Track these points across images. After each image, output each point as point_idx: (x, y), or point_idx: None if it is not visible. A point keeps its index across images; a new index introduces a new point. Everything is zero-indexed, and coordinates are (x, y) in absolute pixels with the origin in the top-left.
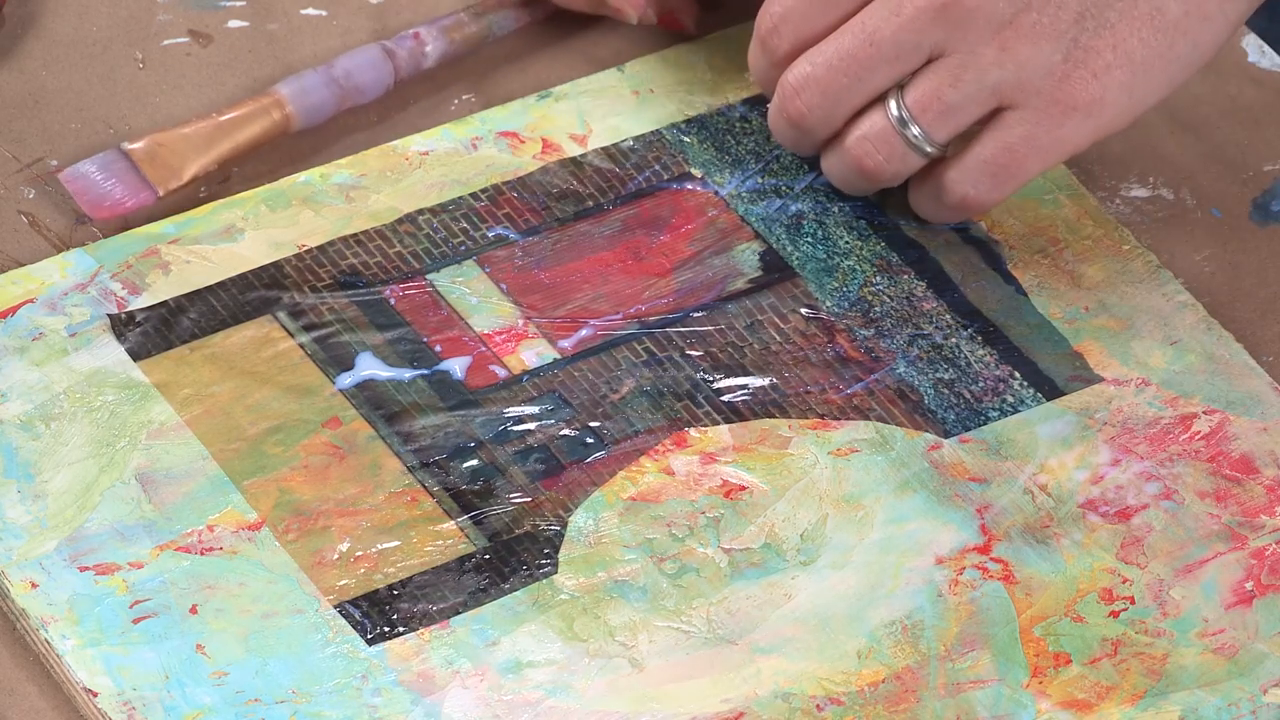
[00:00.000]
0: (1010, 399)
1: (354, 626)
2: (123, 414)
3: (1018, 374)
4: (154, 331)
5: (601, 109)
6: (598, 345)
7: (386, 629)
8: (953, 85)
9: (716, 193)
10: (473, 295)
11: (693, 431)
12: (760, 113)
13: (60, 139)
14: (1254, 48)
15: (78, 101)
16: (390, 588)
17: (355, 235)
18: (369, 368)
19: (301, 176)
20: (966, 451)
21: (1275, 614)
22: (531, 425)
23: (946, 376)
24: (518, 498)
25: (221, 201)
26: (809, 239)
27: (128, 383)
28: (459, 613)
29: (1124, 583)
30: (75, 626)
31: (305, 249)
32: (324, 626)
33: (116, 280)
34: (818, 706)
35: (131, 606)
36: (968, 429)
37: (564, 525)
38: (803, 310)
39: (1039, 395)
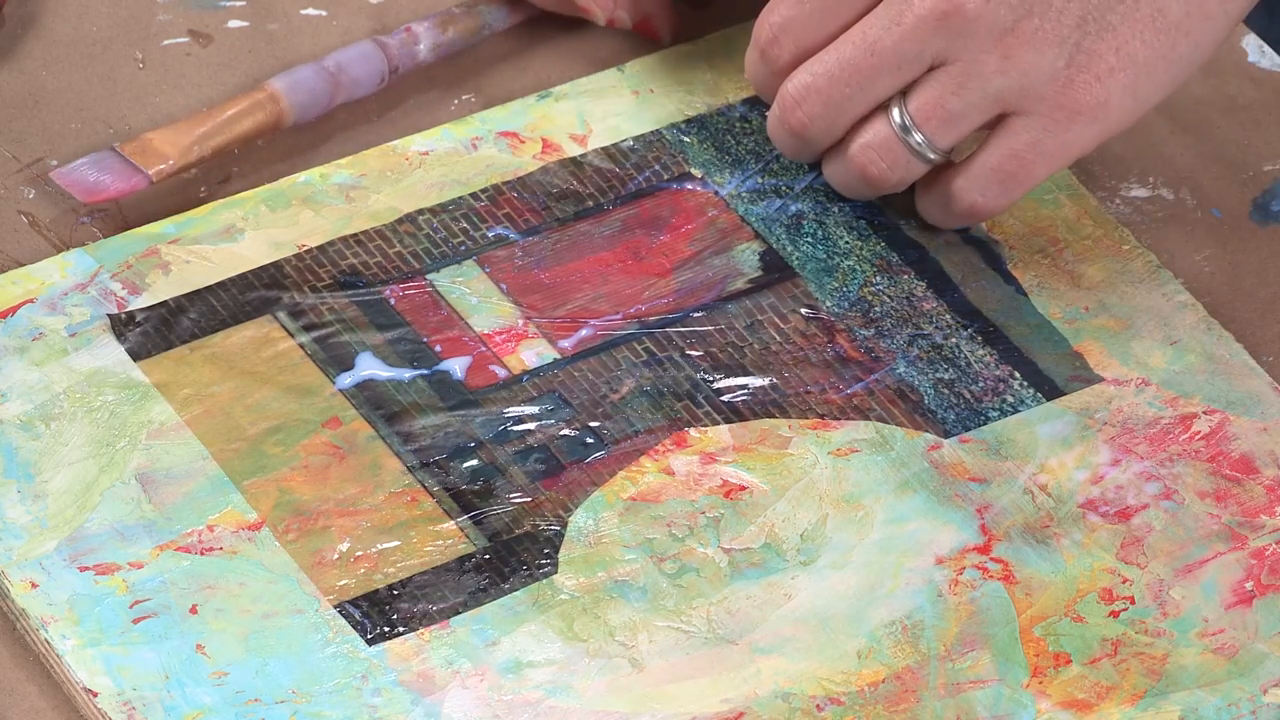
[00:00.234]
0: (1010, 399)
1: (354, 626)
2: (123, 414)
3: (1018, 374)
4: (154, 331)
5: (601, 109)
6: (598, 345)
7: (386, 629)
8: (956, 93)
9: (716, 193)
10: (473, 295)
11: (693, 431)
12: (760, 113)
13: (60, 139)
14: (1254, 48)
15: (78, 101)
16: (390, 588)
17: (355, 235)
18: (369, 368)
19: (301, 176)
20: (966, 451)
21: (1275, 614)
22: (531, 425)
23: (946, 376)
24: (518, 498)
25: (221, 201)
26: (809, 239)
27: (128, 383)
28: (459, 613)
29: (1124, 583)
30: (75, 626)
31: (305, 249)
32: (324, 626)
33: (116, 280)
34: (818, 706)
35: (131, 606)
36: (968, 429)
37: (564, 525)
38: (803, 310)
39: (1039, 395)
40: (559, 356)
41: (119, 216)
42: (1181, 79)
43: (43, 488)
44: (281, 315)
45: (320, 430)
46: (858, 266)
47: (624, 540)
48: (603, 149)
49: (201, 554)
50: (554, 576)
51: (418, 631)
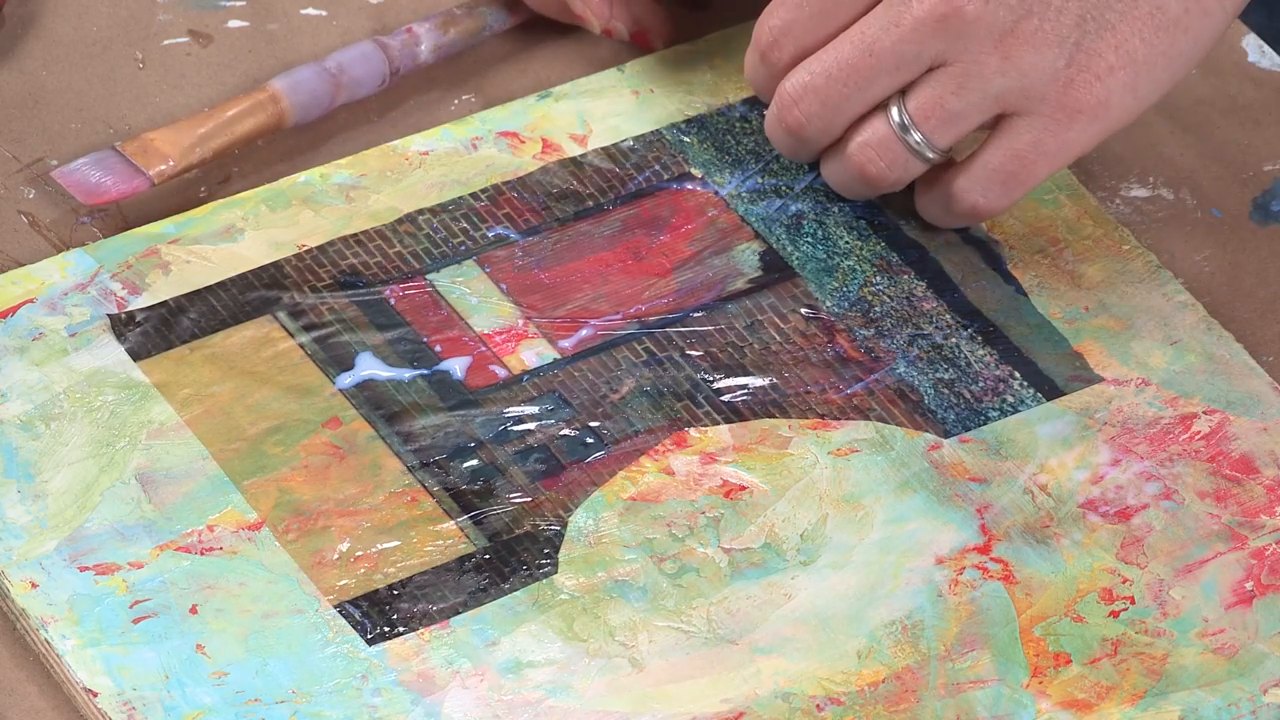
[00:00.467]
0: (1010, 399)
1: (354, 626)
2: (123, 414)
3: (1018, 374)
4: (154, 331)
5: (601, 109)
6: (598, 345)
7: (386, 629)
8: (955, 93)
9: (716, 193)
10: (473, 295)
11: (693, 431)
12: (760, 113)
13: (60, 139)
14: (1254, 48)
15: (78, 101)
16: (390, 588)
17: (355, 235)
18: (369, 368)
19: (301, 177)
20: (966, 451)
21: (1275, 614)
22: (531, 425)
23: (946, 376)
24: (518, 498)
25: (221, 201)
26: (809, 239)
27: (128, 383)
28: (459, 613)
29: (1124, 583)
30: (75, 626)
31: (305, 249)
32: (324, 626)
33: (116, 280)
34: (818, 706)
35: (131, 606)
36: (968, 429)
37: (564, 525)
38: (803, 310)
39: (1039, 395)
40: (559, 356)
41: (119, 216)
42: (1181, 75)
43: (43, 488)
44: (281, 315)
45: (320, 430)
46: (858, 266)
47: (624, 540)
48: (603, 149)
49: (201, 554)
50: (554, 576)
51: (418, 631)
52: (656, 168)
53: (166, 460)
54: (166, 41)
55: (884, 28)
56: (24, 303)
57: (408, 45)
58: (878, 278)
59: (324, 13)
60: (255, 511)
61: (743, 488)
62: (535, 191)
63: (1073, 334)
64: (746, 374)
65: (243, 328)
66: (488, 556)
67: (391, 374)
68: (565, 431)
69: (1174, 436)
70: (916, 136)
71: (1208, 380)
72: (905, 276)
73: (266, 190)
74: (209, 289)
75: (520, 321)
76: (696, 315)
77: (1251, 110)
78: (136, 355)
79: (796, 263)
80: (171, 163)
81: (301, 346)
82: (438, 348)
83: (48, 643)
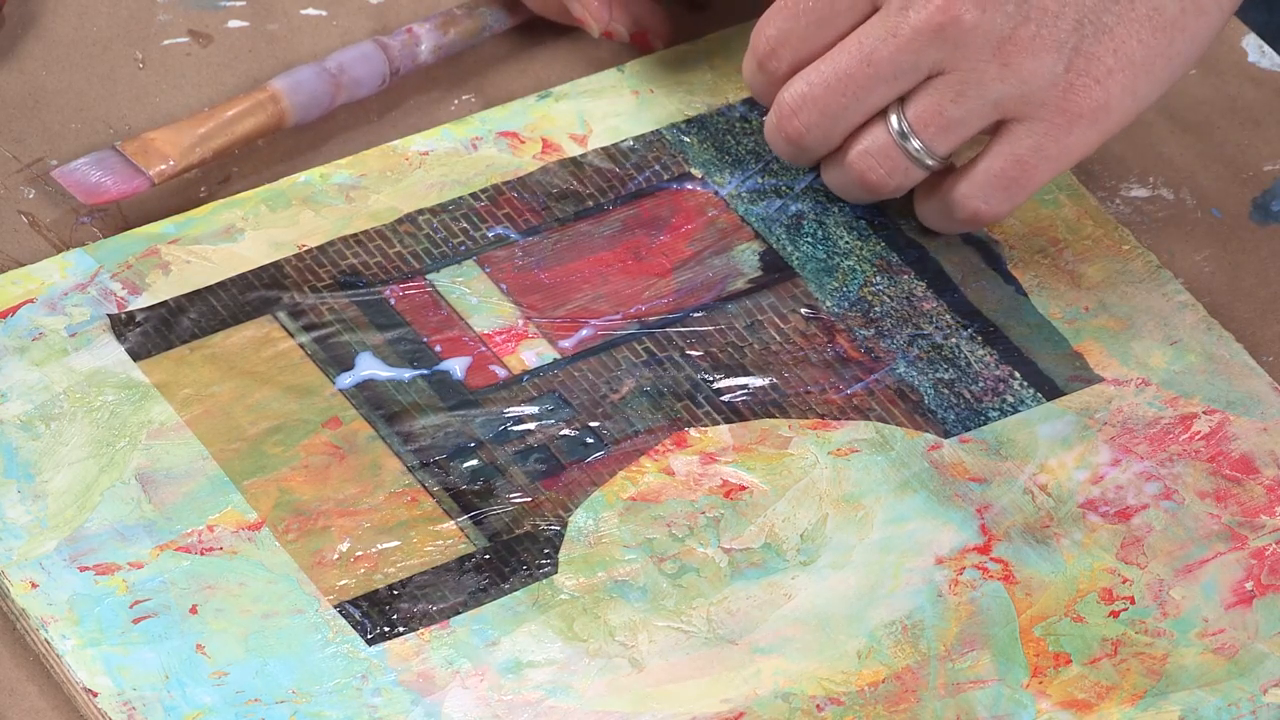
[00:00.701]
0: (1010, 399)
1: (354, 626)
2: (123, 414)
3: (1018, 374)
4: (154, 331)
5: (601, 109)
6: (598, 345)
7: (386, 629)
8: (955, 101)
9: (716, 193)
10: (473, 295)
11: (693, 431)
12: (760, 113)
13: (60, 139)
14: (1254, 48)
15: (78, 101)
16: (390, 588)
17: (355, 235)
18: (369, 368)
19: (301, 177)
20: (966, 451)
21: (1275, 614)
22: (531, 425)
23: (946, 376)
24: (518, 498)
25: (221, 201)
26: (809, 239)
27: (128, 383)
28: (459, 613)
29: (1124, 583)
30: (75, 626)
31: (305, 249)
32: (324, 626)
33: (116, 280)
34: (818, 706)
35: (131, 606)
36: (968, 429)
37: (564, 525)
38: (803, 310)
39: (1039, 395)
40: (559, 356)
41: (119, 216)
42: (1179, 75)
43: (43, 488)
44: (281, 315)
45: (320, 430)
46: (858, 266)
47: (624, 540)
48: (603, 149)
49: (201, 554)
50: (554, 576)
51: (418, 631)
52: (656, 168)
53: (166, 460)
54: (166, 41)
55: (881, 38)
56: (24, 303)
57: (408, 45)
58: (878, 278)
59: (324, 13)
60: (255, 511)
61: (743, 488)
62: (535, 191)
63: (1073, 334)
64: (746, 374)
65: (243, 328)
66: (488, 556)
67: (391, 374)
68: (565, 431)
69: (1174, 436)
70: (916, 144)
71: (1208, 380)
72: (905, 276)
73: (266, 190)
74: (209, 289)
75: (520, 321)
76: (696, 315)
77: (1251, 110)
78: (136, 355)
79: (796, 263)
80: (171, 163)
81: (301, 346)
82: (438, 348)
83: (48, 643)
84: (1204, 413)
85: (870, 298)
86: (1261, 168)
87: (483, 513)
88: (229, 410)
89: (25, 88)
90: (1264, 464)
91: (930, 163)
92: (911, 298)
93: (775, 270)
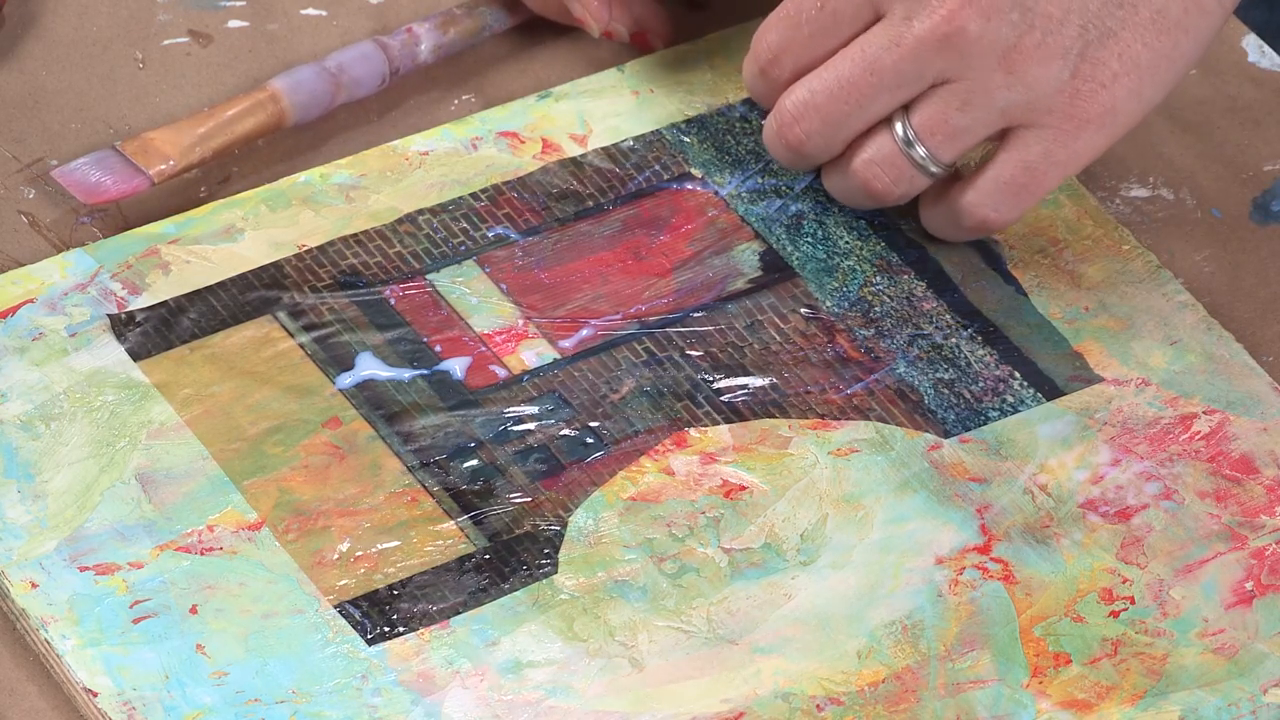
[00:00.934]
0: (1010, 399)
1: (354, 626)
2: (123, 414)
3: (1018, 374)
4: (154, 331)
5: (601, 109)
6: (598, 345)
7: (386, 629)
8: (961, 109)
9: (716, 193)
10: (473, 295)
11: (693, 431)
12: (761, 114)
13: (60, 139)
14: (1254, 48)
15: (78, 101)
16: (390, 588)
17: (355, 235)
18: (369, 368)
19: (301, 177)
20: (966, 451)
21: (1275, 614)
22: (531, 425)
23: (946, 376)
24: (518, 498)
25: (221, 201)
26: (809, 239)
27: (128, 383)
28: (459, 613)
29: (1124, 583)
30: (75, 626)
31: (305, 249)
32: (324, 626)
33: (116, 280)
34: (818, 706)
35: (131, 606)
36: (968, 429)
37: (564, 525)
38: (803, 310)
39: (1039, 395)
40: (559, 356)
41: (119, 216)
42: (1183, 75)
43: (43, 488)
44: (281, 315)
45: (320, 430)
46: (858, 266)
47: (624, 540)
48: (603, 149)
49: (201, 554)
50: (554, 576)
51: (418, 631)
52: (656, 168)
53: (166, 460)
54: (166, 41)
55: (885, 46)
56: (24, 303)
57: (408, 45)
58: (878, 278)
59: (324, 13)
60: (255, 511)
61: (743, 488)
62: (535, 191)
63: (1073, 334)
64: (746, 374)
65: (243, 328)
66: (488, 556)
67: (391, 374)
68: (565, 431)
69: (1174, 436)
70: (921, 151)
71: (1208, 380)
72: (905, 276)
73: (266, 190)
74: (209, 289)
75: (520, 321)
76: (696, 315)
77: (1251, 110)
78: (136, 355)
79: (796, 263)
80: (171, 162)
81: (301, 346)
82: (438, 348)
83: (48, 643)
84: (1204, 413)
85: (870, 298)
86: (1261, 168)
87: (483, 513)
88: (229, 410)
89: (25, 88)
90: (1264, 464)
91: (935, 170)
92: (911, 298)
93: (775, 270)
